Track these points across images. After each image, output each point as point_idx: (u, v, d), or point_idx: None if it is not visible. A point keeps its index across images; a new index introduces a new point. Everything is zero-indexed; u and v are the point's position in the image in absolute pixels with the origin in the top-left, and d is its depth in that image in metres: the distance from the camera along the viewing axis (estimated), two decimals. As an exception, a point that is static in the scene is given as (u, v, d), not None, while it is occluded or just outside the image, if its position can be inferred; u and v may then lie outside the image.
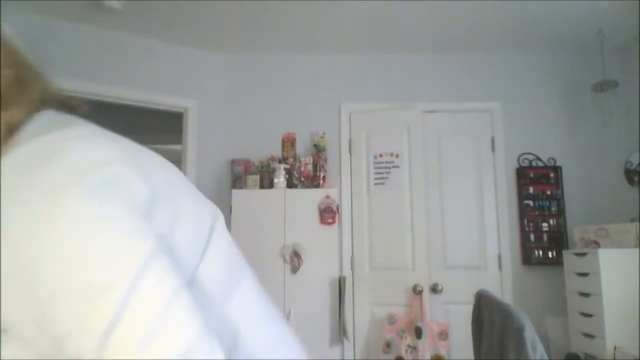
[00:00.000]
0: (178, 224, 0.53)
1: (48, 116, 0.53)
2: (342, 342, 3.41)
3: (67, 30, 3.32)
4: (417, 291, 3.40)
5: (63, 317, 0.42)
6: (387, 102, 3.78)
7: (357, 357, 3.50)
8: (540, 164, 3.73)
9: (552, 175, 3.72)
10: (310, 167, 3.58)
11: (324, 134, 3.71)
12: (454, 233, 3.67)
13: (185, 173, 3.66)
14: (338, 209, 3.54)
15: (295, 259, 3.34)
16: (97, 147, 0.49)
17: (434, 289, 3.54)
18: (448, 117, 3.79)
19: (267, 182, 3.54)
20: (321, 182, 3.55)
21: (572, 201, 3.68)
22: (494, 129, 3.78)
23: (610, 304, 2.91)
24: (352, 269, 3.58)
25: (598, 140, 3.74)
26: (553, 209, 3.68)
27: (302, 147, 3.72)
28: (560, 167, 3.72)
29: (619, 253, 3.01)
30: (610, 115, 3.47)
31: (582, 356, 3.09)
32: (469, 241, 3.67)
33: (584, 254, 3.14)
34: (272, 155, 3.64)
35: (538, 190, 3.70)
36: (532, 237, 3.65)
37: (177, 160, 3.85)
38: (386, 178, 3.62)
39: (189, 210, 0.56)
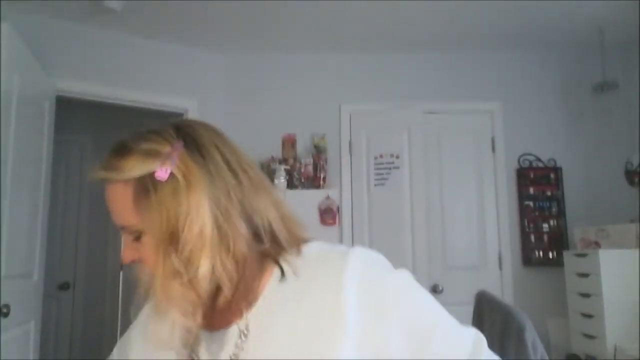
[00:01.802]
0: None
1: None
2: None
3: (67, 31, 3.32)
4: (417, 292, 3.39)
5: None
6: (387, 102, 3.78)
7: (357, 358, 3.49)
8: (540, 164, 3.73)
9: (552, 176, 3.71)
10: (310, 167, 3.58)
11: (324, 134, 3.70)
12: (455, 234, 3.67)
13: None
14: (338, 210, 3.54)
15: (295, 260, 3.33)
16: None
17: (435, 290, 3.53)
18: (448, 118, 3.79)
19: (267, 183, 3.53)
20: (321, 182, 3.55)
21: (573, 202, 3.68)
22: (494, 129, 3.78)
23: (610, 304, 2.90)
24: (353, 269, 3.57)
25: (598, 141, 3.74)
26: (553, 209, 3.68)
27: (302, 147, 3.71)
28: (560, 168, 3.71)
29: (619, 254, 3.01)
30: (611, 116, 3.47)
31: (582, 356, 3.09)
32: (469, 242, 3.67)
33: (584, 255, 3.14)
34: (272, 156, 3.64)
35: (538, 191, 3.70)
36: (532, 237, 3.65)
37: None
38: (386, 179, 3.62)
39: None
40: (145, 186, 0.69)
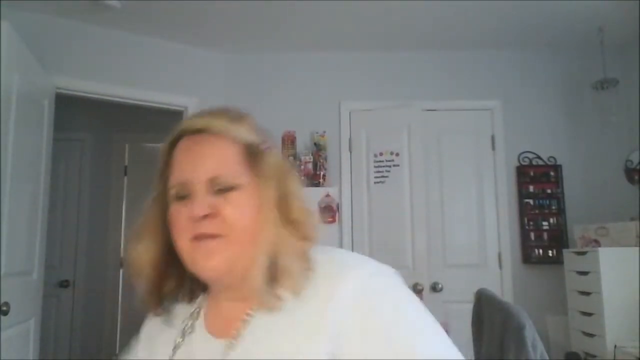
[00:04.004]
0: None
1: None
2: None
3: (67, 29, 3.31)
4: (417, 290, 3.40)
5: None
6: (387, 100, 3.78)
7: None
8: (540, 162, 3.72)
9: (552, 173, 3.71)
10: (310, 165, 3.58)
11: (324, 132, 3.70)
12: (454, 232, 3.67)
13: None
14: (338, 208, 3.54)
15: (295, 258, 3.33)
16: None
17: (434, 288, 3.53)
18: (448, 116, 3.78)
19: (267, 181, 3.53)
20: (321, 180, 3.55)
21: (572, 200, 3.67)
22: (494, 127, 3.77)
23: (610, 302, 2.90)
24: (352, 267, 3.57)
25: (598, 139, 3.74)
26: (553, 207, 3.68)
27: (302, 145, 3.71)
28: (560, 166, 3.71)
29: (619, 252, 3.01)
30: (610, 114, 3.47)
31: (582, 355, 3.09)
32: (469, 240, 3.67)
33: (584, 253, 3.14)
34: (272, 154, 3.63)
35: (538, 189, 3.70)
36: (532, 235, 3.65)
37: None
38: (386, 177, 3.62)
39: None
40: (254, 151, 0.76)
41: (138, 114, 4.16)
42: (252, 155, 0.76)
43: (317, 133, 3.70)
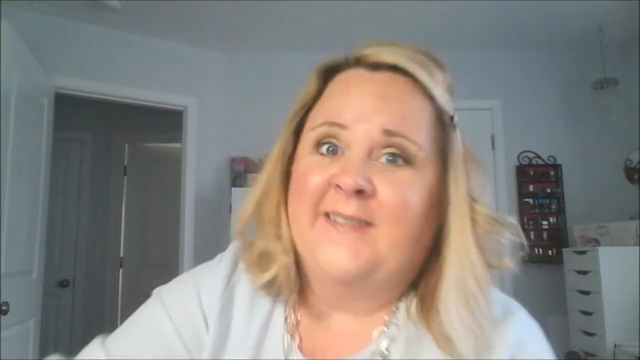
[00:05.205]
0: None
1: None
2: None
3: (67, 29, 3.31)
4: (417, 289, 3.39)
5: None
6: (387, 100, 3.77)
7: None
8: (540, 162, 3.72)
9: (552, 173, 3.71)
10: (310, 165, 3.57)
11: (324, 132, 3.69)
12: (454, 231, 3.67)
13: (185, 171, 3.66)
14: (338, 207, 3.53)
15: (295, 257, 3.32)
16: None
17: (434, 287, 3.53)
18: (448, 115, 3.78)
19: (267, 181, 3.53)
20: (321, 180, 3.54)
21: (572, 199, 3.67)
22: (494, 127, 3.77)
23: (610, 301, 2.91)
24: (352, 267, 3.57)
25: (598, 138, 3.74)
26: (553, 207, 3.68)
27: (302, 145, 3.70)
28: (560, 165, 3.71)
29: (619, 251, 3.01)
30: (610, 113, 3.47)
31: (582, 354, 3.09)
32: (469, 239, 3.67)
33: (584, 252, 3.14)
34: (271, 154, 3.63)
35: (538, 189, 3.70)
36: (532, 235, 3.65)
37: (177, 158, 3.85)
38: (386, 176, 3.61)
39: None
40: (444, 121, 0.58)
41: (138, 114, 4.16)
42: (442, 127, 0.57)
43: (317, 133, 3.69)
